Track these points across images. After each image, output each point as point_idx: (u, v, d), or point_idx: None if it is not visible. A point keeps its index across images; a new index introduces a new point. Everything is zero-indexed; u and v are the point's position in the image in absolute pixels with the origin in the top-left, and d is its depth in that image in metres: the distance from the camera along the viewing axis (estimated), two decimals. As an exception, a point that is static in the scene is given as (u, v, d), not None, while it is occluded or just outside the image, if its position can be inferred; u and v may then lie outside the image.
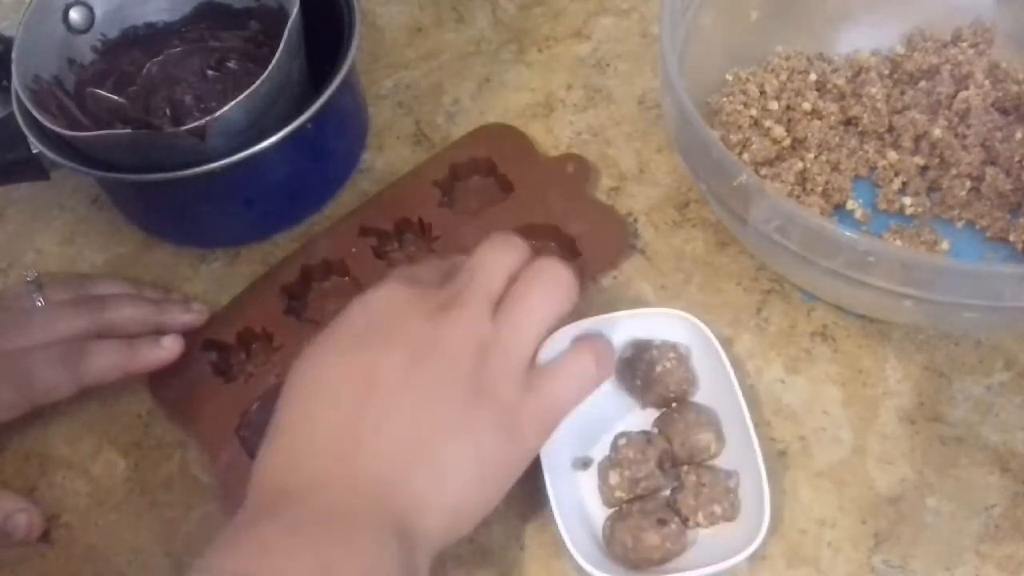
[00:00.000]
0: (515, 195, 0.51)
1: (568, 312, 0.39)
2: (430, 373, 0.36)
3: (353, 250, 0.50)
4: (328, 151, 0.53)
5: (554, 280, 0.39)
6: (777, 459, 0.43)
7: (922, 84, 0.51)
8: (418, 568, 0.34)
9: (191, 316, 0.48)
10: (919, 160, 0.50)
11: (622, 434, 0.42)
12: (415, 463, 0.35)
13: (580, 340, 0.42)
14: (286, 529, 0.33)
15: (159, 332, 0.46)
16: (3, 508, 0.43)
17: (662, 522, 0.40)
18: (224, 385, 0.47)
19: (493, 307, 0.37)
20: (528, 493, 0.43)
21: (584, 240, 0.49)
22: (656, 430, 0.43)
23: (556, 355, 0.39)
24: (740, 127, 0.50)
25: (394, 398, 0.35)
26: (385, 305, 0.38)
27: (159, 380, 0.47)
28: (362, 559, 0.32)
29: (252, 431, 0.45)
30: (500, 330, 0.37)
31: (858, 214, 0.49)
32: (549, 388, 0.38)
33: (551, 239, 0.50)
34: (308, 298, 0.50)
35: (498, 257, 0.39)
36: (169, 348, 0.45)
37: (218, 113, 0.44)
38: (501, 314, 0.37)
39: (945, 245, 0.48)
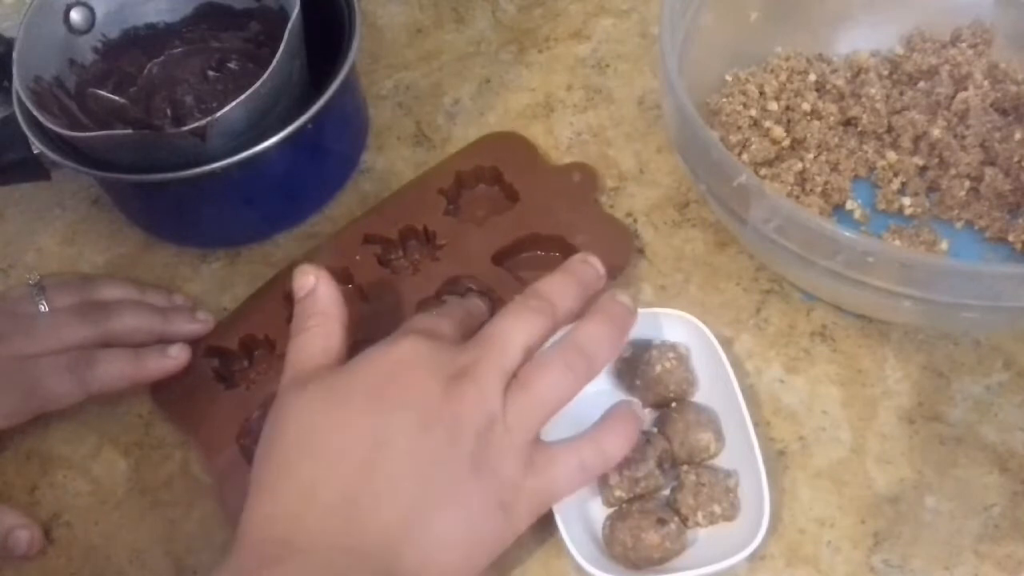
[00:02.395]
0: (520, 204, 0.51)
1: (587, 383, 0.38)
2: (436, 444, 0.35)
3: (357, 258, 0.50)
4: (328, 151, 0.53)
5: (578, 355, 0.38)
6: (776, 459, 0.43)
7: (921, 84, 0.51)
8: None
9: (196, 326, 0.48)
10: (918, 160, 0.50)
11: (622, 434, 0.42)
12: (413, 533, 0.35)
13: (606, 417, 0.40)
14: None
15: (164, 341, 0.47)
16: (4, 524, 0.44)
17: (662, 522, 0.40)
18: (225, 392, 0.47)
19: (507, 380, 0.37)
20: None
21: (589, 250, 0.48)
22: (656, 430, 0.43)
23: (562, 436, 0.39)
24: (739, 127, 0.50)
25: (400, 465, 0.35)
26: (400, 365, 0.37)
27: (161, 385, 0.47)
28: None
29: (252, 439, 0.45)
30: (509, 409, 0.36)
31: (857, 214, 0.49)
32: (549, 474, 0.37)
33: (556, 249, 0.50)
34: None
35: (519, 327, 0.38)
36: (176, 358, 0.46)
37: (219, 113, 0.44)
38: (513, 392, 0.37)
39: (944, 245, 0.48)
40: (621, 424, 0.39)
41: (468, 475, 0.35)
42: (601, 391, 0.45)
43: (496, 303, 0.47)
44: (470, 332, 0.40)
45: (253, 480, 0.36)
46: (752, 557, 0.39)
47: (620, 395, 0.45)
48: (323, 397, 0.37)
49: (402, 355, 0.37)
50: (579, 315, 0.40)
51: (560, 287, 0.40)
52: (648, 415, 0.44)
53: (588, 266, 0.42)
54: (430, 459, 0.35)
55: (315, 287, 0.40)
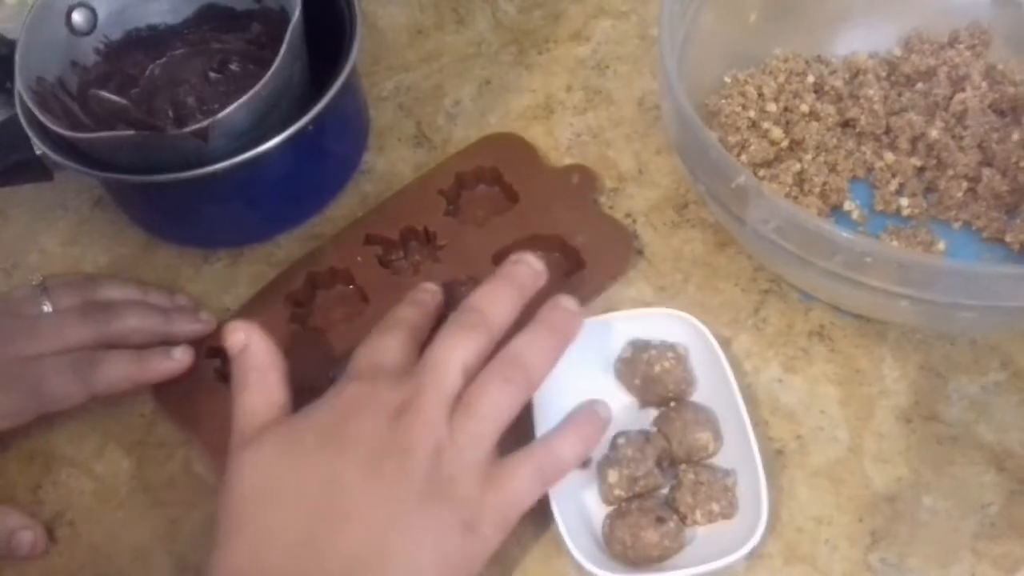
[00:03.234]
0: (520, 205, 0.51)
1: (530, 396, 0.39)
2: (388, 476, 0.36)
3: (359, 258, 0.50)
4: (329, 152, 0.53)
5: (515, 367, 0.38)
6: (774, 458, 0.43)
7: (919, 86, 0.52)
8: None
9: (198, 326, 0.48)
10: (916, 161, 0.50)
11: (621, 433, 0.42)
12: (376, 565, 0.35)
13: (564, 420, 0.41)
14: None
15: (167, 342, 0.47)
16: (8, 525, 0.44)
17: (661, 520, 0.40)
18: (227, 392, 0.47)
19: (451, 404, 0.37)
20: (528, 492, 0.43)
21: (589, 251, 0.49)
22: (655, 429, 0.43)
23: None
24: (738, 129, 0.50)
25: (354, 500, 0.36)
26: (346, 410, 0.38)
27: (163, 385, 0.47)
28: None
29: None
30: (455, 432, 0.37)
31: (855, 215, 0.50)
32: (508, 487, 0.38)
33: (556, 250, 0.50)
34: (313, 306, 0.50)
35: (455, 350, 0.38)
36: (179, 360, 0.46)
37: (221, 115, 0.45)
38: (457, 415, 0.37)
39: (942, 246, 0.48)
40: (576, 428, 0.40)
41: (425, 501, 0.36)
42: (602, 391, 0.45)
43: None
44: (420, 341, 0.41)
45: (214, 539, 0.37)
46: (750, 555, 0.40)
47: (619, 394, 0.45)
48: (274, 446, 0.38)
49: (346, 402, 0.38)
50: (521, 318, 0.40)
51: (493, 296, 0.40)
52: (647, 415, 0.44)
53: (522, 266, 0.42)
54: (384, 491, 0.36)
55: (247, 343, 0.40)
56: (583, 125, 0.56)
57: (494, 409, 0.38)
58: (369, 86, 0.58)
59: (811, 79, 0.52)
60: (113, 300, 0.48)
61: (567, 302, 0.41)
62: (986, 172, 0.48)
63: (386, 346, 0.41)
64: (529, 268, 0.42)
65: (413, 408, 0.37)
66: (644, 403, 0.45)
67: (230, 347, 0.41)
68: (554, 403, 0.43)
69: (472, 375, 0.38)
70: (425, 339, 0.41)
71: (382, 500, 0.36)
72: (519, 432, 0.45)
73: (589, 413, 0.41)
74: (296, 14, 0.46)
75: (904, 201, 0.49)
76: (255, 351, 0.40)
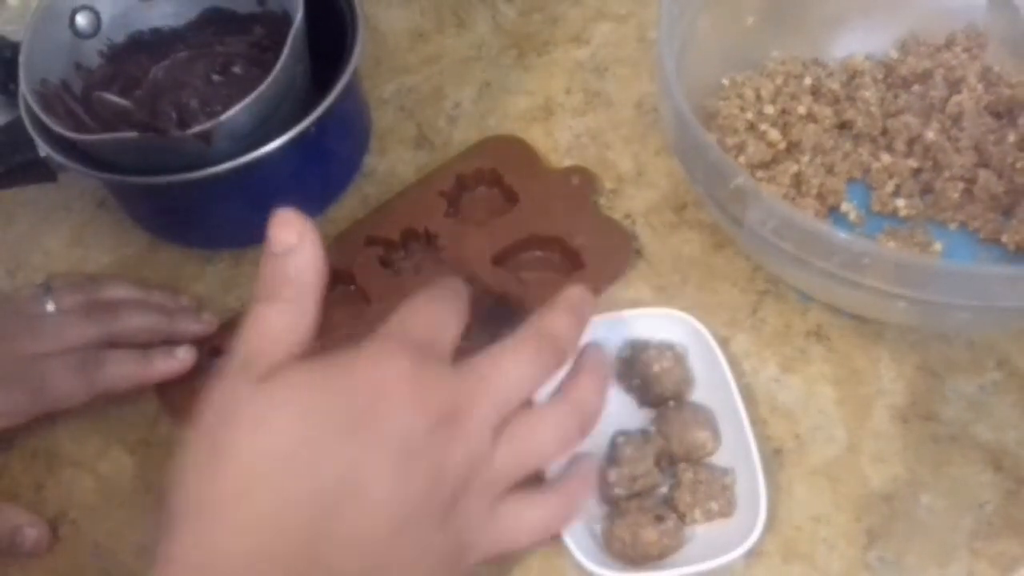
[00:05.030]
0: (520, 206, 0.51)
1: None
2: (413, 495, 0.31)
3: (359, 259, 0.50)
4: (331, 154, 0.53)
5: (573, 413, 0.34)
6: (772, 457, 0.44)
7: (915, 88, 0.52)
8: None
9: (201, 326, 0.48)
10: (913, 163, 0.50)
11: (620, 432, 0.43)
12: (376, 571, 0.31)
13: (565, 476, 0.37)
14: None
15: (169, 341, 0.47)
16: (12, 521, 0.44)
17: (659, 519, 0.40)
18: None
19: (499, 424, 0.33)
20: (528, 490, 0.43)
21: (589, 252, 0.49)
22: (654, 428, 0.44)
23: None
24: (736, 130, 0.50)
25: (370, 515, 0.30)
26: (383, 390, 0.31)
27: (166, 385, 0.47)
28: None
29: None
30: (495, 461, 0.32)
31: (852, 216, 0.50)
32: (508, 533, 0.34)
33: (555, 251, 0.50)
34: (314, 306, 0.51)
35: (522, 369, 0.33)
36: (183, 359, 0.46)
37: (223, 117, 0.45)
38: (504, 442, 0.33)
39: (938, 247, 0.48)
40: (580, 481, 0.37)
41: (439, 527, 0.32)
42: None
43: (497, 303, 0.48)
44: (464, 319, 0.35)
45: (189, 495, 0.30)
46: (748, 553, 0.40)
47: (619, 394, 0.45)
48: (293, 412, 0.30)
49: (388, 376, 0.31)
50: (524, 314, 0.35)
51: (566, 325, 0.35)
52: (646, 414, 0.45)
53: (587, 301, 0.37)
54: (404, 512, 0.31)
55: (296, 247, 0.32)
56: (582, 127, 0.56)
57: (544, 447, 0.34)
58: (370, 88, 0.58)
59: (808, 81, 0.52)
60: (116, 300, 0.48)
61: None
62: (982, 173, 0.48)
63: (445, 321, 0.34)
64: (591, 302, 0.37)
65: (462, 419, 0.31)
66: (643, 403, 0.45)
67: (273, 241, 0.32)
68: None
69: (527, 398, 0.34)
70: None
71: (398, 523, 0.31)
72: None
73: (588, 467, 0.38)
74: (298, 17, 0.47)
75: (901, 202, 0.50)
76: (303, 260, 0.33)
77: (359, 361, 0.32)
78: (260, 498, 0.30)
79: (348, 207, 0.54)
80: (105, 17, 0.52)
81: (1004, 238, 0.48)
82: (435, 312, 0.34)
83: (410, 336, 0.33)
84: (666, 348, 0.44)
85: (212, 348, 0.48)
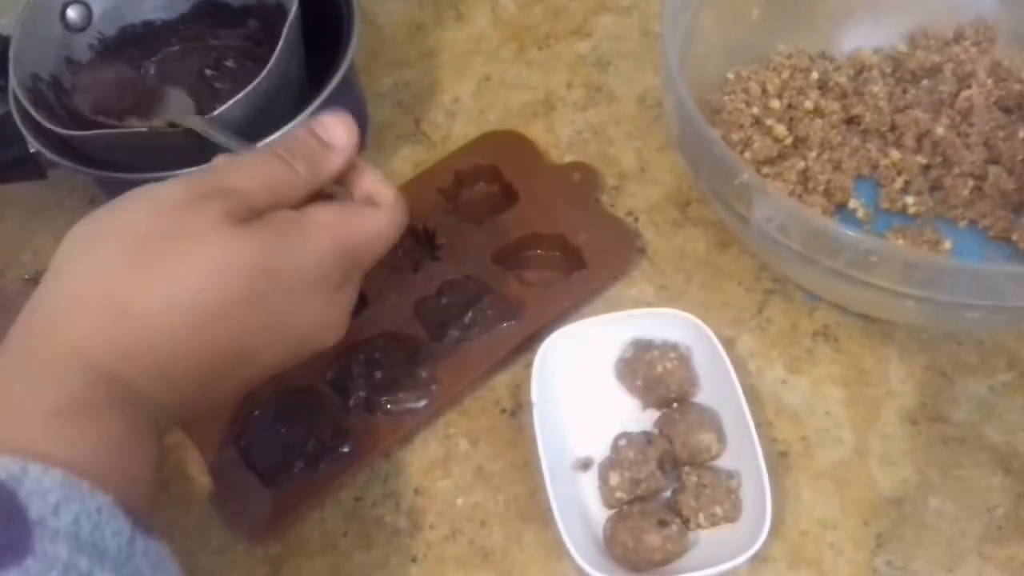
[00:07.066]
0: (520, 203, 0.51)
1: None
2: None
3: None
4: (327, 150, 0.52)
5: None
6: (778, 460, 0.43)
7: (924, 82, 0.51)
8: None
9: None
10: (921, 159, 0.50)
11: (623, 434, 0.42)
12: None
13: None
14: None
15: None
16: None
17: (663, 523, 0.39)
18: None
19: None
20: (528, 494, 0.43)
21: (590, 250, 0.49)
22: (657, 431, 0.43)
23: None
24: (741, 126, 0.49)
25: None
26: (328, 272, 0.36)
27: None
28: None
29: (249, 440, 0.45)
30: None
31: (860, 213, 0.49)
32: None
33: (557, 249, 0.50)
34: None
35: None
36: None
37: (217, 112, 0.44)
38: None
39: (947, 244, 0.48)
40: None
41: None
42: (603, 392, 0.45)
43: (496, 302, 0.47)
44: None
45: (100, 286, 0.33)
46: (754, 559, 0.39)
47: (621, 395, 0.45)
48: (267, 263, 0.33)
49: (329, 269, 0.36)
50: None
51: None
52: (649, 416, 0.44)
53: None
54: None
55: (337, 148, 0.36)
56: (584, 122, 0.55)
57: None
58: (367, 82, 0.58)
59: (815, 75, 0.52)
60: None
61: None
62: (992, 170, 0.48)
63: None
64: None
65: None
66: (646, 404, 0.44)
67: (324, 126, 0.36)
68: (555, 405, 0.43)
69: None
70: None
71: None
72: (521, 441, 0.45)
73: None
74: (293, 10, 0.46)
75: (910, 199, 0.49)
76: (337, 159, 0.36)
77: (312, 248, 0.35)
78: (214, 334, 0.32)
79: (345, 204, 0.54)
80: (96, 10, 0.52)
81: (1015, 236, 0.47)
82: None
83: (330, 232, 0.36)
84: (670, 349, 0.44)
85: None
